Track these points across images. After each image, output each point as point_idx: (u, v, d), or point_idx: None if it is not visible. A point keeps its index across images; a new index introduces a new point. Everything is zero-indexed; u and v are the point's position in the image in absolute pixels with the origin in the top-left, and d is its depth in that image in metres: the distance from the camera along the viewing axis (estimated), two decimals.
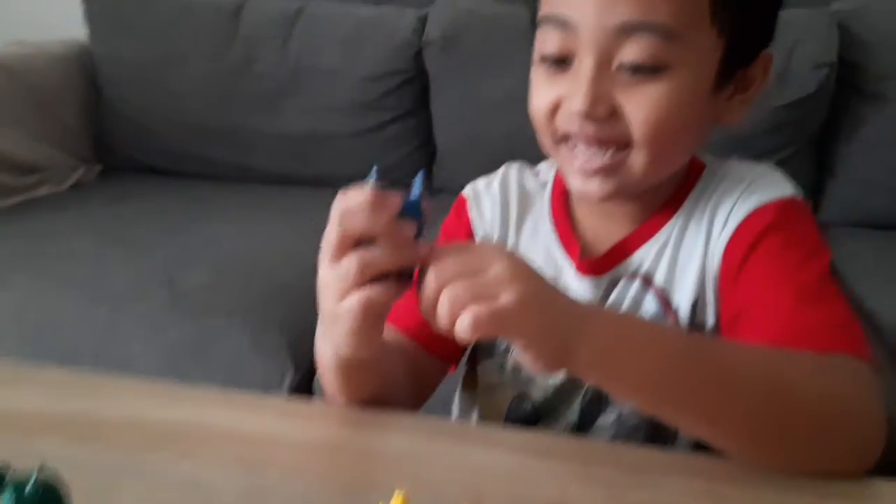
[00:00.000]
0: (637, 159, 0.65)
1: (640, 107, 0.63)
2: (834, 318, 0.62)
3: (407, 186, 0.54)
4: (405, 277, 0.54)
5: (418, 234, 0.53)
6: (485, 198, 0.79)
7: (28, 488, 0.42)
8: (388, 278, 0.53)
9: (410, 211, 0.53)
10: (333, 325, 0.57)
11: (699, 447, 0.70)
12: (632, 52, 0.62)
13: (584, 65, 0.63)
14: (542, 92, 0.67)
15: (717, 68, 0.65)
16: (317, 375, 1.22)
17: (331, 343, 0.61)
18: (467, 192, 0.81)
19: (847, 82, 1.68)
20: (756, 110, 1.65)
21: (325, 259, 0.55)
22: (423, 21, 1.83)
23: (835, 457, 0.57)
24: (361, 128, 1.88)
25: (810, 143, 1.74)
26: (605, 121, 0.64)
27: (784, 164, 1.70)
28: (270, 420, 0.65)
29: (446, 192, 1.91)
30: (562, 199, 0.77)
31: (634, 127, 0.64)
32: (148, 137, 1.99)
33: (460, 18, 1.79)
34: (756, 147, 1.68)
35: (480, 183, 0.81)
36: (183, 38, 1.91)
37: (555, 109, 0.66)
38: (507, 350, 0.76)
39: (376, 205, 0.52)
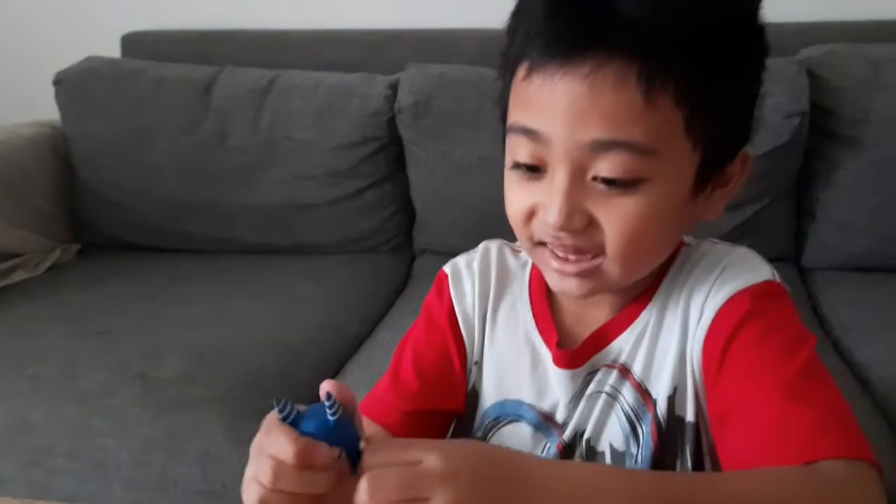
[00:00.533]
0: (611, 267, 0.64)
1: (615, 220, 0.62)
2: (826, 417, 0.59)
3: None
4: None
5: (347, 451, 0.52)
6: (465, 276, 0.78)
7: None
8: None
9: (329, 438, 0.51)
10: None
11: None
12: (606, 166, 0.61)
13: (559, 177, 0.62)
14: (517, 197, 0.66)
15: (693, 176, 0.64)
16: None
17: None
18: (447, 269, 0.80)
19: (820, 128, 1.68)
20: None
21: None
22: (394, 87, 1.83)
23: None
24: (338, 195, 1.87)
25: (788, 191, 1.74)
26: (580, 231, 0.63)
27: (764, 212, 1.70)
28: None
29: (429, 252, 1.90)
30: (541, 281, 0.76)
31: (609, 239, 0.63)
32: (124, 215, 1.97)
33: (431, 83, 1.79)
34: (735, 197, 1.67)
35: (461, 261, 0.80)
36: (155, 114, 1.91)
37: (530, 216, 0.66)
38: (483, 437, 0.74)
39: (305, 462, 0.51)
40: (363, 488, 0.49)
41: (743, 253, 0.71)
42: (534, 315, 0.75)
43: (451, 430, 0.78)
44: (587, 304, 0.72)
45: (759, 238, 1.66)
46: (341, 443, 0.51)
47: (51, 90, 1.97)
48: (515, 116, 0.65)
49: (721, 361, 0.64)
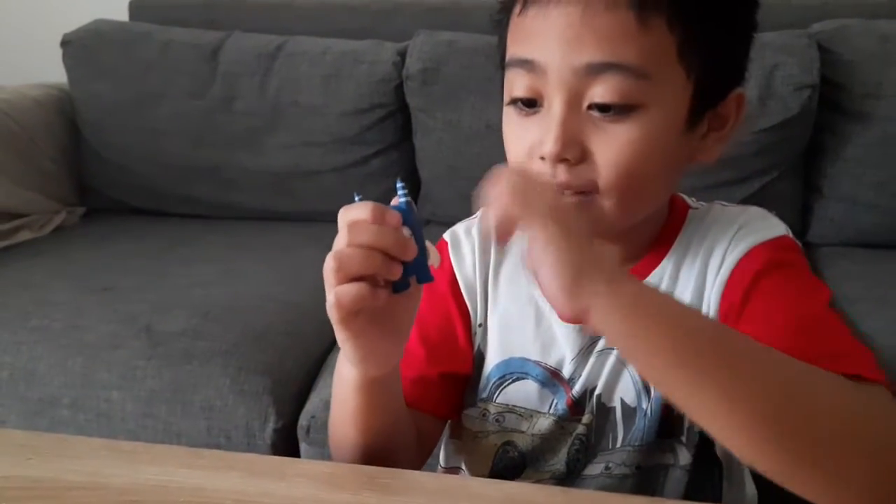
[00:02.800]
0: (605, 205, 0.64)
1: (609, 149, 0.62)
2: (848, 346, 0.60)
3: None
4: (401, 285, 0.57)
5: (415, 235, 0.57)
6: (464, 242, 0.78)
7: None
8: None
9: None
10: (336, 326, 0.59)
11: (687, 496, 0.68)
12: (601, 91, 0.61)
13: (554, 106, 0.62)
14: (516, 136, 0.66)
15: (687, 108, 0.64)
16: (306, 413, 1.21)
17: (343, 361, 0.63)
18: (447, 237, 0.80)
19: (830, 102, 1.68)
20: (740, 134, 1.64)
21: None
22: (402, 54, 1.83)
23: (852, 482, 0.51)
24: (344, 162, 1.87)
25: (796, 165, 1.73)
26: (575, 165, 0.63)
27: (771, 186, 1.70)
28: (239, 479, 0.63)
29: (434, 223, 1.90)
30: None
31: (601, 172, 0.63)
32: (129, 178, 1.97)
33: (440, 50, 1.79)
34: (742, 170, 1.67)
35: (460, 228, 0.80)
36: (162, 78, 1.90)
37: (529, 156, 0.65)
38: (489, 397, 0.74)
39: (378, 218, 0.56)
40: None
41: (757, 211, 0.71)
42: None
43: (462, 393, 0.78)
44: None
45: None
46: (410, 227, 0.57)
47: (58, 53, 1.96)
48: (512, 51, 0.65)
49: (740, 310, 0.65)
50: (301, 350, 1.31)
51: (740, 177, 1.68)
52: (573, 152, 0.62)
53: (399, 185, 0.58)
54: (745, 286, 0.65)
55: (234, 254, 1.69)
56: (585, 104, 0.62)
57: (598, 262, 0.52)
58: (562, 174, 0.63)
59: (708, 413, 0.52)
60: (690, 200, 0.75)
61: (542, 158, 0.63)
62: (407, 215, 0.57)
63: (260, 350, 1.28)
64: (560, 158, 0.62)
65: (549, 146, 0.62)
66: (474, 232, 0.78)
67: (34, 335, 1.32)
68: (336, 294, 0.56)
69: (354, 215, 0.56)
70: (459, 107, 1.76)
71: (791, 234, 0.69)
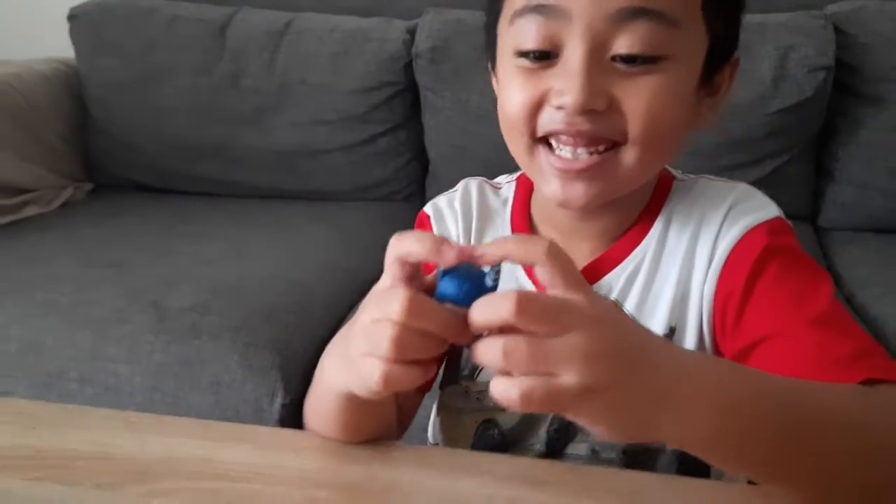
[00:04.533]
0: (628, 157, 0.62)
1: (638, 99, 0.60)
2: (861, 345, 0.59)
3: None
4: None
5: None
6: (448, 215, 0.75)
7: None
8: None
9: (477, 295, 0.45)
10: (352, 368, 0.52)
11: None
12: (628, 41, 0.58)
13: (575, 56, 0.59)
14: (521, 89, 0.62)
15: (702, 66, 0.63)
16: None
17: (345, 380, 0.55)
18: (428, 210, 0.77)
19: (844, 85, 1.66)
20: (752, 116, 1.63)
21: (373, 300, 0.50)
22: (411, 32, 1.81)
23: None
24: (351, 141, 1.85)
25: (808, 148, 1.72)
26: (600, 115, 0.60)
27: (782, 170, 1.69)
28: (248, 453, 0.62)
29: None
30: (523, 218, 0.73)
31: (632, 121, 0.60)
32: (136, 155, 1.96)
33: (449, 28, 1.77)
34: (753, 153, 1.66)
35: (441, 200, 0.77)
36: (169, 54, 1.89)
37: (536, 107, 0.62)
38: (470, 375, 0.72)
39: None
40: (496, 351, 0.44)
41: (747, 189, 0.69)
42: None
43: (441, 367, 0.75)
44: (575, 237, 0.69)
45: (776, 196, 1.64)
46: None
47: (66, 27, 1.95)
48: None
49: (744, 297, 0.63)
50: (308, 328, 1.31)
51: (751, 159, 1.67)
52: (599, 102, 0.59)
53: (491, 269, 0.47)
54: (745, 275, 0.63)
55: (241, 232, 1.69)
56: (609, 54, 0.59)
57: (654, 392, 0.46)
58: (584, 125, 0.60)
59: (772, 483, 0.53)
60: (676, 172, 0.72)
61: (560, 109, 0.60)
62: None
63: (268, 327, 1.27)
64: (586, 109, 0.59)
65: (574, 96, 0.58)
66: (457, 205, 0.75)
67: (42, 308, 1.32)
68: (386, 375, 0.47)
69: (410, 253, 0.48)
70: (468, 85, 1.74)
71: (782, 214, 0.67)
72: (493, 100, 1.80)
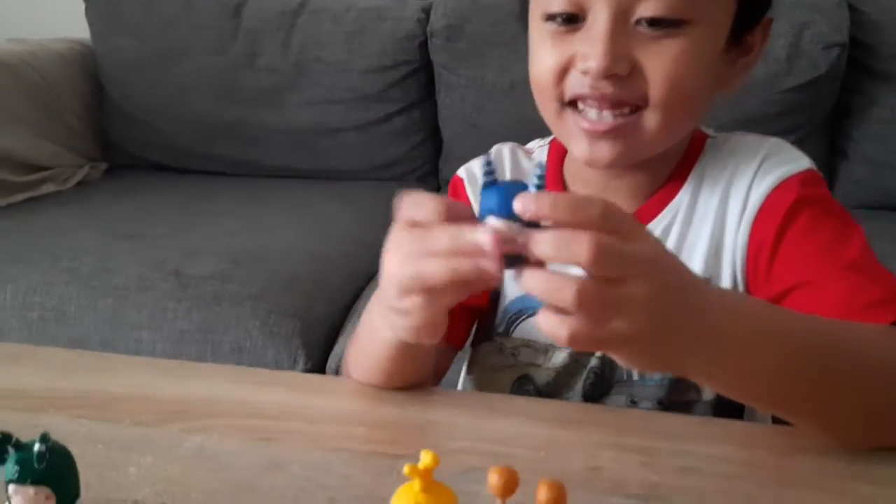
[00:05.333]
0: (651, 121, 0.63)
1: (661, 63, 0.61)
2: (892, 290, 0.60)
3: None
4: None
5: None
6: (481, 180, 0.76)
7: (35, 450, 0.40)
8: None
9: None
10: (394, 315, 0.52)
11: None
12: (653, 4, 0.59)
13: (600, 20, 0.60)
14: (549, 54, 0.63)
15: (729, 28, 0.63)
16: (335, 355, 1.21)
17: (390, 325, 0.55)
18: (462, 173, 0.78)
19: (858, 63, 1.66)
20: (766, 93, 1.62)
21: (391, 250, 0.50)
22: (427, 10, 1.82)
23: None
24: (366, 120, 1.86)
25: (822, 125, 1.71)
26: (623, 80, 0.61)
27: (796, 147, 1.68)
28: (284, 394, 0.63)
29: None
30: (557, 181, 0.74)
31: (653, 85, 0.61)
32: (151, 134, 1.97)
33: (465, 6, 1.77)
34: (767, 130, 1.60)
35: (475, 164, 0.77)
36: (185, 34, 1.90)
37: (563, 71, 0.63)
38: (505, 332, 0.73)
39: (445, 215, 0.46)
40: (569, 292, 0.42)
41: (779, 142, 0.70)
42: None
43: (475, 324, 0.77)
44: (608, 194, 0.69)
45: None
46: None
47: (82, 7, 1.96)
48: None
49: (775, 246, 0.64)
50: (328, 297, 1.32)
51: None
52: (622, 66, 0.60)
53: (538, 171, 0.44)
54: (776, 224, 0.64)
55: (258, 208, 1.70)
56: (634, 18, 0.60)
57: (691, 333, 0.47)
58: (606, 89, 0.61)
59: (801, 422, 0.55)
60: (709, 130, 0.73)
61: (585, 73, 0.61)
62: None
63: (288, 295, 1.29)
64: (609, 73, 0.60)
65: (597, 60, 0.60)
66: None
67: (64, 276, 1.33)
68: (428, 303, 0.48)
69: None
70: (483, 64, 1.75)
71: (815, 166, 0.68)
72: (509, 78, 1.80)
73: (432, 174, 1.95)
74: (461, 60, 1.77)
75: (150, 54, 1.92)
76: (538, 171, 0.44)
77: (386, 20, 1.83)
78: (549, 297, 0.43)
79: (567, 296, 0.42)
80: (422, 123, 1.89)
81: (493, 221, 0.43)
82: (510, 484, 0.40)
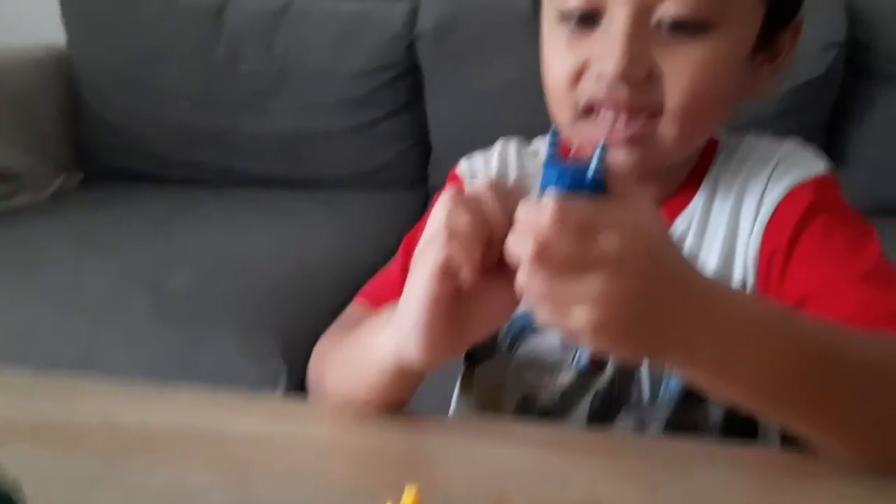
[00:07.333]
0: (668, 129, 0.60)
1: (681, 70, 0.58)
2: None
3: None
4: None
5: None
6: (482, 176, 0.72)
7: None
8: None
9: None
10: (404, 319, 0.50)
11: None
12: (674, 5, 0.56)
13: (618, 20, 0.57)
14: (563, 57, 0.60)
15: (757, 32, 0.60)
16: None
17: (395, 336, 0.52)
18: (463, 169, 0.74)
19: (856, 64, 1.63)
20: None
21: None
22: (414, 12, 1.77)
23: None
24: (352, 126, 1.81)
25: (820, 129, 1.68)
26: (640, 85, 0.58)
27: None
28: (259, 421, 0.59)
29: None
30: None
31: (671, 93, 0.58)
32: (130, 142, 1.92)
33: (453, 8, 1.73)
34: (765, 133, 1.63)
35: (478, 160, 0.74)
36: (164, 39, 1.85)
37: (578, 76, 0.60)
38: (509, 348, 0.69)
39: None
40: (529, 249, 0.42)
41: (794, 146, 0.68)
42: None
43: None
44: None
45: None
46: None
47: (57, 10, 1.91)
48: None
49: (788, 253, 0.61)
50: (313, 309, 1.26)
51: None
52: (640, 70, 0.57)
53: (600, 152, 0.43)
54: (789, 231, 0.61)
55: (238, 217, 1.65)
56: (654, 19, 0.57)
57: (676, 318, 0.44)
58: (622, 94, 0.58)
59: (800, 428, 0.51)
60: (720, 134, 0.71)
61: (601, 77, 0.58)
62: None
63: (270, 308, 1.24)
64: (626, 76, 0.57)
65: (613, 64, 0.56)
66: (494, 163, 0.72)
67: (35, 294, 1.28)
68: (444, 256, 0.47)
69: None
70: (472, 68, 1.71)
71: (831, 170, 0.65)
72: (500, 82, 1.76)
73: (421, 181, 1.90)
74: (449, 64, 1.73)
75: (128, 59, 1.87)
76: (597, 166, 0.43)
77: (372, 23, 1.78)
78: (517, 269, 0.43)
79: (525, 285, 0.43)
80: (410, 129, 1.84)
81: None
82: None
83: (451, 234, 0.46)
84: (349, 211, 1.73)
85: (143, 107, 1.88)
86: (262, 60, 1.81)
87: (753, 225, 0.64)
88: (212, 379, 1.17)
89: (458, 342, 0.51)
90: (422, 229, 0.74)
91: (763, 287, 0.64)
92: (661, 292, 0.44)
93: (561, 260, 0.42)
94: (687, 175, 0.68)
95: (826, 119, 1.68)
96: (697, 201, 0.66)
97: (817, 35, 1.57)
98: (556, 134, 0.45)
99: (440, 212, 0.47)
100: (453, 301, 0.48)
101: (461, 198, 0.47)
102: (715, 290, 0.47)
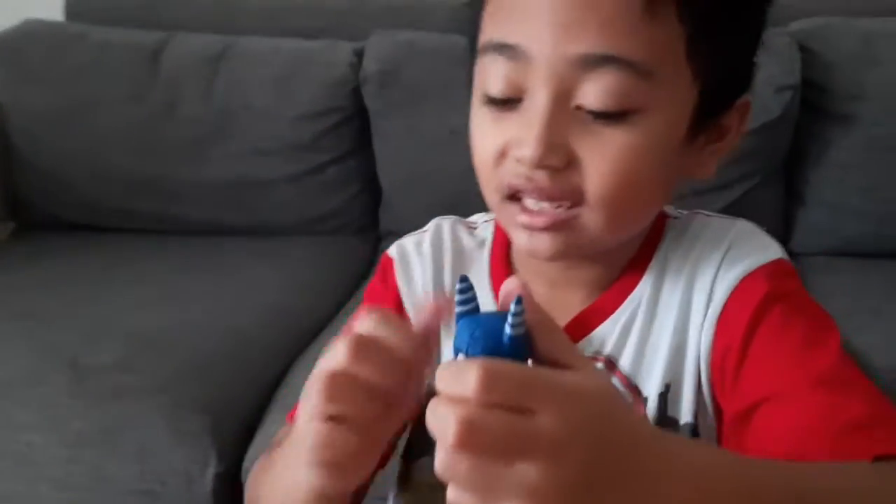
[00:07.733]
0: (591, 218, 0.56)
1: (600, 157, 0.54)
2: (871, 409, 0.52)
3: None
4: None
5: None
6: (414, 260, 0.68)
7: None
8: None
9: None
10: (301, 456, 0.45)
11: None
12: (594, 92, 0.52)
13: (537, 102, 0.53)
14: (486, 137, 0.57)
15: (691, 115, 0.56)
16: (250, 457, 1.10)
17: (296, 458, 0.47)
18: (393, 252, 0.70)
19: (811, 104, 1.61)
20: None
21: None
22: (359, 55, 1.72)
23: None
24: (297, 171, 1.75)
25: (777, 170, 1.66)
26: (560, 171, 0.54)
27: (751, 193, 1.64)
28: None
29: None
30: (503, 261, 0.67)
31: (591, 181, 0.54)
32: (65, 191, 1.82)
33: (399, 51, 1.69)
34: (721, 177, 1.59)
35: (408, 242, 0.70)
36: (99, 83, 1.76)
37: (502, 157, 0.56)
38: None
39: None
40: (452, 429, 0.36)
41: (747, 227, 0.64)
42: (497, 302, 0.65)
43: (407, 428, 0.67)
44: (562, 285, 0.64)
45: None
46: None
47: None
48: (489, 33, 0.56)
49: (743, 350, 0.57)
50: (246, 382, 1.20)
51: (720, 184, 1.60)
52: (557, 158, 0.54)
53: (514, 309, 0.39)
54: (744, 325, 0.58)
55: (177, 274, 1.57)
56: (574, 104, 0.53)
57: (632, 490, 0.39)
58: (543, 181, 0.55)
59: None
60: (668, 208, 0.67)
61: (519, 161, 0.55)
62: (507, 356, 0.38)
63: (199, 383, 1.16)
64: (542, 164, 0.53)
65: (530, 150, 0.53)
66: (426, 247, 0.68)
67: None
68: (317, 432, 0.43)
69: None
70: (420, 111, 1.66)
71: (785, 255, 0.62)
72: (448, 126, 1.72)
73: (371, 226, 1.84)
74: (396, 108, 1.68)
75: (62, 105, 1.78)
76: (515, 309, 0.38)
77: (316, 64, 1.72)
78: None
79: (445, 470, 0.37)
80: (357, 173, 1.78)
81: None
82: None
83: (332, 396, 0.43)
84: (295, 259, 1.66)
85: (78, 154, 1.78)
86: (201, 104, 1.73)
87: (705, 317, 0.60)
88: (137, 463, 1.09)
89: (366, 466, 0.46)
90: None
91: (717, 384, 0.60)
92: (604, 480, 0.38)
93: (489, 443, 0.36)
94: (633, 254, 0.64)
95: (783, 160, 1.66)
96: (645, 284, 0.63)
97: (772, 77, 1.55)
98: (465, 280, 0.39)
99: (331, 361, 0.43)
100: (345, 438, 0.43)
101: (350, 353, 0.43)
102: (668, 459, 0.41)
